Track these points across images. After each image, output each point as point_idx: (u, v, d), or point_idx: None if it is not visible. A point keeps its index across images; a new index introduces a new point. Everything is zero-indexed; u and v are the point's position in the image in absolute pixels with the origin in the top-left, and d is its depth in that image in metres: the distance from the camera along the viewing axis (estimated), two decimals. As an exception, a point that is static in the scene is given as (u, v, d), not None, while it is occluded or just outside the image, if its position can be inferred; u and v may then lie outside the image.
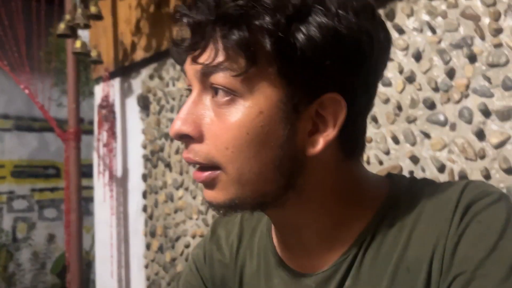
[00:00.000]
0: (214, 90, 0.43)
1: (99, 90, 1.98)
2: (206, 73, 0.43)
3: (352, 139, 0.47)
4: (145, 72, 1.78)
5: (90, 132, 2.19)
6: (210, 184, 0.45)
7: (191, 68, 0.45)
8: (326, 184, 0.47)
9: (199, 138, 0.44)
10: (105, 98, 1.88)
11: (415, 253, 0.44)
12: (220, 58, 0.42)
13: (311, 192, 0.46)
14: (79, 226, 1.46)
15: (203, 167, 0.45)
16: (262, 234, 0.56)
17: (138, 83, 1.82)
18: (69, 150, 1.50)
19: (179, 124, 0.43)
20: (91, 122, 2.09)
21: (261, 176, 0.43)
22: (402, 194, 0.48)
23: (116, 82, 1.92)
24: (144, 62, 1.76)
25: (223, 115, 0.43)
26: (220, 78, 0.42)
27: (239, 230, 0.59)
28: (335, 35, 0.41)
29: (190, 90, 0.47)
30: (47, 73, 2.01)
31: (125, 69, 1.86)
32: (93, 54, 1.53)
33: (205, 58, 0.43)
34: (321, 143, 0.44)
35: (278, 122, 0.42)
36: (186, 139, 0.44)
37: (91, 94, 2.48)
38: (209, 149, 0.43)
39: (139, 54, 1.76)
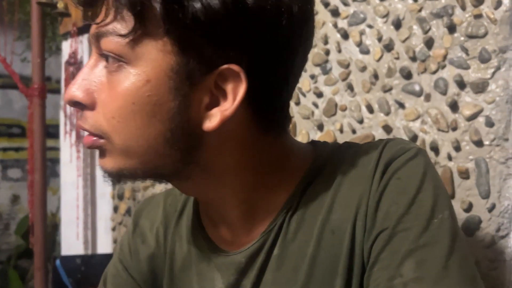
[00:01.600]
0: (106, 57, 0.42)
1: (66, 46, 1.88)
2: (97, 37, 0.41)
3: (267, 114, 0.44)
4: (116, 29, 1.70)
5: (57, 91, 2.10)
6: (100, 151, 0.45)
7: (90, 32, 0.43)
8: (237, 159, 0.45)
9: (91, 106, 0.43)
10: (73, 54, 1.79)
11: (339, 215, 0.45)
12: (112, 20, 0.40)
13: (216, 166, 0.45)
14: (43, 187, 1.41)
15: (90, 133, 0.44)
16: (189, 217, 0.55)
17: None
18: (33, 107, 1.43)
19: (73, 90, 0.43)
20: (58, 81, 2.00)
21: (149, 149, 0.42)
22: (326, 160, 0.48)
23: (85, 39, 1.83)
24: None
25: (113, 82, 0.41)
26: (108, 43, 0.40)
27: (163, 217, 0.57)
28: (236, 3, 0.38)
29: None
30: (10, 26, 1.89)
31: (94, 25, 1.77)
32: (60, 5, 1.44)
33: (98, 18, 0.41)
34: (218, 118, 0.41)
35: (168, 93, 0.40)
36: (79, 106, 0.43)
37: (59, 50, 2.36)
38: (97, 118, 0.42)
39: (110, 10, 1.68)
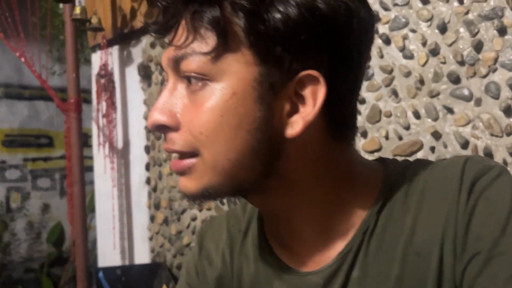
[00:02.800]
0: (187, 79, 0.42)
1: (96, 59, 1.90)
2: (177, 60, 0.42)
3: (340, 121, 0.45)
4: (146, 40, 1.71)
5: (87, 101, 2.13)
6: (186, 173, 0.44)
7: (165, 57, 0.43)
8: (312, 169, 0.45)
9: (176, 127, 0.43)
10: (103, 66, 1.81)
11: (424, 236, 0.43)
12: (191, 40, 0.41)
13: (293, 177, 0.44)
14: (82, 199, 1.43)
15: (182, 156, 0.44)
16: (254, 236, 0.54)
17: (138, 52, 1.75)
18: (70, 121, 1.45)
19: (156, 114, 0.43)
20: (84, 91, 2.02)
21: (237, 162, 0.42)
22: (399, 177, 0.47)
23: (115, 50, 1.84)
24: (145, 30, 1.69)
25: (197, 101, 0.42)
26: (190, 64, 0.41)
27: (228, 238, 0.56)
28: (311, 11, 0.40)
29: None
30: (41, 40, 1.92)
31: (124, 36, 1.78)
32: (94, 20, 1.45)
33: (176, 40, 0.42)
34: (300, 124, 0.42)
35: (254, 103, 0.41)
36: (163, 129, 0.44)
37: (86, 62, 2.40)
38: (185, 136, 0.43)
39: (140, 21, 1.69)
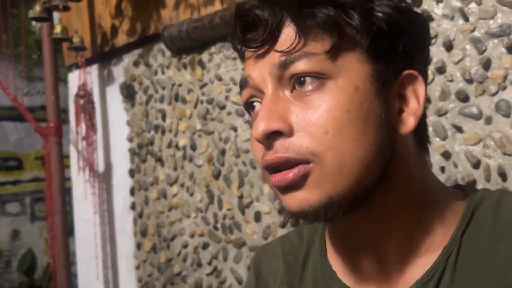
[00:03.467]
0: (297, 80, 0.41)
1: (74, 78, 1.81)
2: (285, 64, 0.41)
3: (423, 128, 0.46)
4: (128, 59, 1.64)
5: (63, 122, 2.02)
6: (298, 184, 0.40)
7: (261, 67, 0.42)
8: (410, 179, 0.44)
9: (290, 132, 0.40)
10: (82, 86, 1.72)
11: None
12: (304, 43, 0.40)
13: (398, 187, 0.43)
14: (64, 229, 1.33)
15: (288, 166, 0.40)
16: (317, 264, 0.50)
17: (120, 71, 1.67)
18: (50, 146, 1.35)
19: (265, 123, 0.40)
20: (63, 111, 1.92)
21: (365, 161, 0.40)
22: (483, 204, 0.44)
23: (94, 69, 1.76)
24: (127, 48, 1.62)
25: (314, 101, 0.40)
26: (304, 65, 0.40)
27: (285, 267, 0.53)
28: (407, 14, 0.43)
29: (251, 105, 0.44)
30: (12, 59, 1.82)
31: (104, 55, 1.71)
32: (75, 39, 1.38)
33: (285, 46, 0.40)
34: (412, 120, 0.42)
35: (375, 98, 0.41)
36: (273, 138, 0.41)
37: (61, 81, 2.29)
38: (302, 141, 0.40)
39: (121, 39, 1.62)
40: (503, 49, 0.86)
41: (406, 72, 0.42)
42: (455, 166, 0.92)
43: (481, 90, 0.89)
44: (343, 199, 0.40)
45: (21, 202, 3.27)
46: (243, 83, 0.44)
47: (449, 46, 0.92)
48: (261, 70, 0.42)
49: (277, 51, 0.41)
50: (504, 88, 0.86)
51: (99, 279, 1.72)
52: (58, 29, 1.31)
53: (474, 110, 0.90)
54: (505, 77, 0.86)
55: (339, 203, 0.40)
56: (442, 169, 0.93)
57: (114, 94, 1.70)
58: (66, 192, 1.36)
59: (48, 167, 1.34)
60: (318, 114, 0.39)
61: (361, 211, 0.43)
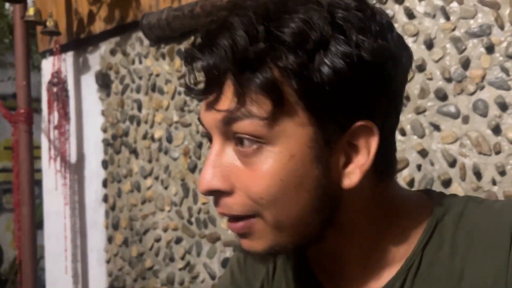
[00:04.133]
0: (238, 139, 0.41)
1: (47, 65, 1.75)
2: (228, 122, 0.40)
3: (385, 161, 0.44)
4: (104, 47, 1.59)
5: (36, 111, 1.95)
6: (245, 234, 0.43)
7: (209, 116, 0.42)
8: (364, 213, 0.45)
9: (230, 191, 0.42)
10: (56, 74, 1.66)
11: (471, 283, 0.42)
12: (243, 103, 0.39)
13: (350, 225, 0.44)
14: (32, 221, 1.28)
15: (237, 218, 0.43)
16: (297, 260, 0.52)
17: (96, 59, 1.63)
18: (19, 133, 1.30)
19: (208, 181, 0.41)
20: (33, 100, 1.85)
21: (299, 220, 0.42)
22: (447, 215, 0.45)
23: (69, 57, 1.71)
24: (104, 35, 1.57)
25: (252, 164, 0.41)
26: (244, 126, 0.39)
27: (272, 264, 0.55)
28: (359, 63, 0.39)
29: (208, 135, 0.45)
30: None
31: (80, 42, 1.65)
32: (49, 23, 1.32)
33: (225, 104, 0.40)
34: (357, 174, 0.41)
35: (311, 162, 0.40)
36: (216, 194, 0.42)
37: (34, 68, 2.21)
38: (242, 200, 0.41)
39: (98, 26, 1.57)
40: (482, 49, 0.87)
41: (359, 123, 0.40)
42: (432, 164, 0.92)
43: (459, 89, 0.89)
44: (284, 247, 0.43)
45: (-12, 193, 3.16)
46: (200, 121, 0.44)
47: (429, 45, 0.92)
48: (210, 120, 0.42)
49: (216, 109, 0.40)
50: (482, 88, 0.87)
51: (68, 273, 1.67)
52: (31, 11, 1.26)
53: (452, 109, 0.90)
54: (483, 77, 0.87)
55: (281, 250, 0.43)
56: (419, 167, 0.93)
57: (89, 83, 1.65)
58: (35, 183, 1.31)
59: (16, 156, 1.29)
60: (253, 179, 0.40)
61: (314, 246, 0.45)
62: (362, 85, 0.39)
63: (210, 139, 0.44)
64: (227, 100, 0.40)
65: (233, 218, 0.43)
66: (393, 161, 0.46)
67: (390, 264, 0.45)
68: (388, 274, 0.45)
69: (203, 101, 0.43)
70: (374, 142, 0.41)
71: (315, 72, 0.38)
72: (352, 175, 0.41)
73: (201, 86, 0.42)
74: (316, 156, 0.40)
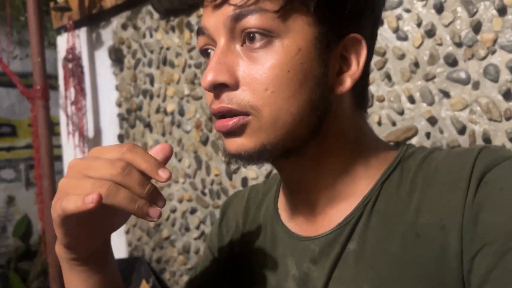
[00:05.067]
0: (247, 36, 0.42)
1: (62, 42, 1.77)
2: (238, 17, 0.42)
3: (362, 89, 0.48)
4: (116, 21, 1.60)
5: (51, 87, 2.00)
6: (237, 131, 0.44)
7: (216, 17, 0.43)
8: (344, 133, 0.47)
9: (235, 85, 0.43)
10: (71, 50, 1.69)
11: (427, 219, 0.43)
12: None
13: (331, 140, 0.47)
14: (52, 193, 1.33)
15: (230, 115, 0.44)
16: (269, 207, 0.57)
17: (108, 34, 1.64)
18: (36, 109, 1.33)
19: (213, 74, 0.43)
20: (49, 77, 1.89)
21: (297, 117, 0.43)
22: (411, 157, 0.48)
23: (82, 33, 1.72)
24: (115, 10, 1.58)
25: (260, 58, 0.42)
26: (255, 20, 0.41)
27: (245, 208, 0.61)
28: None
29: (206, 52, 0.46)
30: (1, 22, 1.78)
31: (92, 17, 1.67)
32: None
33: None
34: (349, 81, 0.45)
35: (315, 60, 0.43)
36: (219, 88, 0.44)
37: (51, 45, 2.25)
38: (245, 94, 0.43)
39: (109, 1, 1.57)
40: (494, 11, 0.83)
41: (351, 35, 0.44)
42: (441, 132, 0.91)
43: (470, 54, 0.87)
44: (275, 148, 0.44)
45: (16, 169, 3.27)
46: (199, 32, 0.46)
47: (439, 8, 0.90)
48: (216, 21, 0.43)
49: (231, 4, 0.42)
50: (494, 52, 0.84)
51: (90, 243, 1.73)
52: (41, -13, 1.27)
53: (462, 75, 0.88)
54: (494, 41, 0.84)
55: (270, 151, 0.44)
56: (428, 135, 0.92)
57: (102, 58, 1.67)
58: (54, 157, 1.35)
59: (35, 131, 1.33)
60: (261, 71, 0.42)
61: (295, 158, 0.47)
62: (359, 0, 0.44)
63: (208, 55, 0.46)
64: None
65: (227, 117, 0.44)
66: (366, 96, 0.50)
67: (350, 198, 0.48)
68: (347, 208, 0.47)
69: (208, 6, 0.44)
70: (363, 55, 0.45)
71: None
72: (344, 82, 0.45)
73: None
74: (319, 55, 0.43)
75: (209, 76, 0.43)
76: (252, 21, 0.42)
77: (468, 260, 0.40)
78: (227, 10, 0.43)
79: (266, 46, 0.42)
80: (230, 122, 0.43)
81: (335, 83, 0.45)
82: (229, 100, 0.43)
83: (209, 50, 0.47)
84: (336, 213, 0.48)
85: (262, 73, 0.42)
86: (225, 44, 0.43)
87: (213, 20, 0.44)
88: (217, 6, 0.43)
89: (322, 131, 0.45)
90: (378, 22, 0.49)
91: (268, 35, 0.42)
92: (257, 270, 0.55)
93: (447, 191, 0.43)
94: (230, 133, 0.44)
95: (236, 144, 0.44)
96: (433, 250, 0.41)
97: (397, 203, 0.45)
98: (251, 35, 0.42)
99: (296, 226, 0.52)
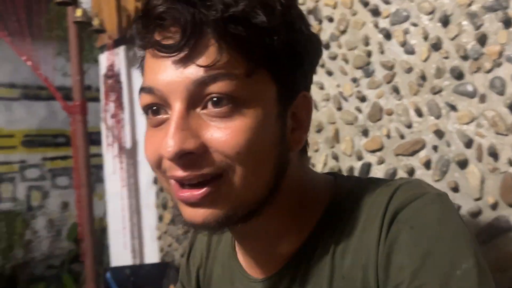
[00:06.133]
0: (211, 100, 0.40)
1: (104, 59, 1.91)
2: (205, 82, 0.39)
3: (305, 137, 0.48)
4: (150, 40, 1.70)
5: (97, 99, 2.14)
6: (207, 200, 0.41)
7: (172, 77, 0.39)
8: (292, 186, 0.47)
9: (202, 152, 0.40)
10: (110, 67, 1.81)
11: (351, 261, 0.44)
12: (224, 59, 0.38)
13: (283, 195, 0.46)
14: (89, 201, 1.44)
15: (199, 183, 0.41)
16: (227, 242, 0.58)
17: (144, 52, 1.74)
18: (75, 123, 1.45)
19: (178, 142, 0.39)
20: (98, 89, 2.03)
21: (264, 178, 0.43)
22: (345, 199, 0.48)
23: (121, 51, 1.85)
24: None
25: (228, 122, 0.40)
26: (224, 85, 0.39)
27: (207, 242, 0.62)
28: (305, 36, 0.45)
29: (152, 109, 0.42)
30: (50, 42, 1.94)
31: (129, 37, 1.78)
32: (95, 22, 1.45)
33: (205, 60, 0.38)
34: (302, 140, 0.46)
35: (276, 120, 0.43)
36: (186, 157, 0.40)
37: (95, 62, 2.41)
38: (214, 158, 0.41)
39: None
40: (499, 24, 0.82)
41: (301, 94, 0.45)
42: (448, 145, 0.90)
43: (476, 67, 0.86)
44: (243, 211, 0.43)
45: (70, 176, 3.50)
46: (147, 90, 0.41)
47: (445, 22, 0.89)
48: (174, 83, 0.39)
49: (199, 65, 0.38)
50: (499, 64, 0.83)
51: (127, 248, 1.84)
52: (78, 13, 1.39)
53: (469, 88, 0.87)
54: (500, 53, 0.83)
55: (233, 218, 0.43)
56: (435, 148, 0.92)
57: (139, 75, 1.78)
58: (99, 167, 1.46)
59: (74, 143, 1.44)
60: (231, 135, 0.40)
61: (252, 220, 0.46)
62: (308, 57, 0.45)
63: (155, 112, 0.41)
64: (206, 56, 0.38)
65: (195, 186, 0.41)
66: (306, 140, 0.49)
67: (293, 244, 0.48)
68: (291, 252, 0.48)
69: (161, 60, 0.40)
70: (310, 111, 0.46)
71: (281, 36, 0.41)
72: (300, 139, 0.45)
73: (170, 41, 0.39)
74: (279, 115, 0.43)
75: (173, 146, 0.39)
76: (220, 86, 0.39)
77: None
78: (191, 72, 0.39)
79: (233, 110, 0.40)
80: (202, 190, 0.40)
81: (291, 141, 0.45)
82: (198, 166, 0.40)
83: (156, 108, 0.42)
84: (280, 258, 0.49)
85: (233, 137, 0.40)
86: (184, 109, 0.40)
87: (168, 80, 0.39)
88: (176, 64, 0.39)
89: (278, 188, 0.45)
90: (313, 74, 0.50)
91: (236, 100, 0.40)
92: None
93: (366, 230, 0.44)
94: (199, 204, 0.41)
95: (205, 214, 0.41)
96: None
97: (328, 248, 0.46)
98: (218, 100, 0.39)
99: (248, 265, 0.53)
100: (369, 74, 1.01)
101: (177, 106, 0.40)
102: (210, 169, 0.41)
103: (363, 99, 1.02)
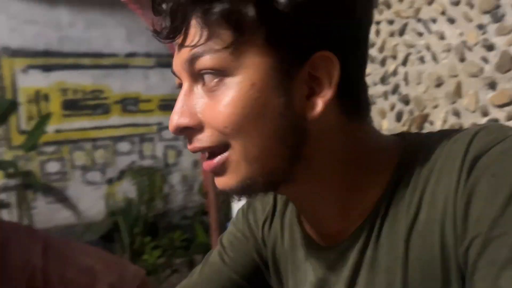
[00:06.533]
0: (203, 76, 0.43)
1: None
2: (193, 59, 0.42)
3: (352, 99, 0.45)
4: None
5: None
6: (221, 170, 0.44)
7: (177, 60, 0.44)
8: (333, 151, 0.45)
9: (199, 127, 0.44)
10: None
11: (426, 215, 0.42)
12: (206, 38, 0.41)
13: (319, 161, 0.45)
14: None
15: (212, 154, 0.44)
16: (293, 209, 0.56)
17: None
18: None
19: (176, 118, 0.43)
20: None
21: (266, 150, 0.43)
22: (417, 153, 0.45)
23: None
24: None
25: (216, 97, 0.42)
26: (206, 60, 0.41)
27: (273, 206, 0.59)
28: None
29: (180, 85, 0.47)
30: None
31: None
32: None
33: (189, 41, 0.42)
34: (320, 104, 0.43)
35: (272, 91, 0.42)
36: (187, 131, 0.44)
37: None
38: (211, 133, 0.43)
39: None
40: None
41: (318, 53, 0.41)
42: None
43: None
44: (256, 182, 0.44)
45: (198, 137, 3.82)
46: (172, 73, 0.46)
47: None
48: (178, 64, 0.44)
49: (185, 46, 0.42)
50: None
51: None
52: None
53: None
54: None
55: (252, 186, 0.44)
56: None
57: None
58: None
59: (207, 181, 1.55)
60: (218, 110, 0.42)
61: (286, 187, 0.46)
62: (319, 14, 0.41)
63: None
64: (191, 38, 0.42)
65: (209, 157, 0.44)
66: (363, 102, 0.46)
67: (363, 207, 0.47)
68: (361, 217, 0.47)
69: (175, 46, 0.44)
70: (335, 73, 0.42)
71: (272, 0, 0.39)
72: (315, 106, 0.42)
73: (167, 28, 0.43)
74: (277, 85, 0.42)
75: (173, 121, 0.43)
76: (204, 62, 0.41)
77: (462, 253, 0.39)
78: (183, 53, 0.43)
79: (219, 85, 0.42)
80: (214, 162, 0.44)
81: (306, 108, 0.43)
82: (198, 141, 0.44)
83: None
84: (350, 223, 0.48)
85: (219, 113, 0.42)
86: (188, 86, 0.44)
87: (176, 62, 0.44)
88: (178, 47, 0.43)
89: (305, 157, 0.44)
90: (364, 29, 0.45)
91: (220, 74, 0.41)
92: (279, 270, 0.57)
93: (442, 182, 0.42)
94: (215, 173, 0.45)
95: (221, 183, 0.45)
96: (436, 245, 0.41)
97: (402, 205, 0.45)
98: (206, 75, 0.42)
99: (316, 233, 0.52)
100: (498, 18, 0.89)
101: (184, 84, 0.44)
102: (210, 142, 0.43)
103: (490, 47, 0.91)
